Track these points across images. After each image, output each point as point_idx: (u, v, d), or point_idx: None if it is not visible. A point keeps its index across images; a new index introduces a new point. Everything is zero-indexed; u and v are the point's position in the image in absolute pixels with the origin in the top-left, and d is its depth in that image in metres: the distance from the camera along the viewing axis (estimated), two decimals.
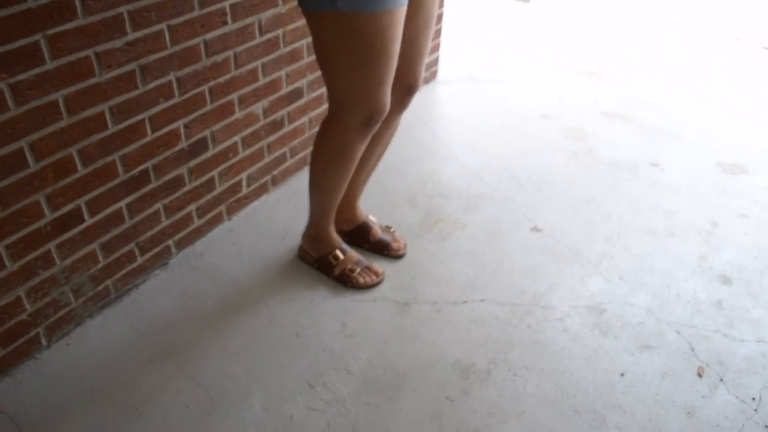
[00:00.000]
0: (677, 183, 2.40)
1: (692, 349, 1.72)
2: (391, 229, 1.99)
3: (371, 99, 1.45)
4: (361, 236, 1.93)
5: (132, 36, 1.54)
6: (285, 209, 2.15)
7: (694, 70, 3.33)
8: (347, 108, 1.49)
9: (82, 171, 1.55)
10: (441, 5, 2.77)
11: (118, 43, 1.51)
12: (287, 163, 2.22)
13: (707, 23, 3.99)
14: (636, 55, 3.45)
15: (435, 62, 2.94)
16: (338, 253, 1.84)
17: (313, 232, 1.83)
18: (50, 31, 1.37)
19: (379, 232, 1.94)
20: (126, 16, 1.51)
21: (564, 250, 2.03)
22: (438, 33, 2.86)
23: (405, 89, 1.63)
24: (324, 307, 1.80)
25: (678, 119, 2.84)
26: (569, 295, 1.87)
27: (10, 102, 1.35)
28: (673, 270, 1.98)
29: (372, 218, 1.98)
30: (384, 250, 1.94)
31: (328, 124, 1.56)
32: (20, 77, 1.35)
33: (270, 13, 1.88)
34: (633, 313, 1.82)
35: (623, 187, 2.36)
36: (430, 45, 1.63)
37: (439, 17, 2.81)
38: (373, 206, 2.12)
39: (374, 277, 1.85)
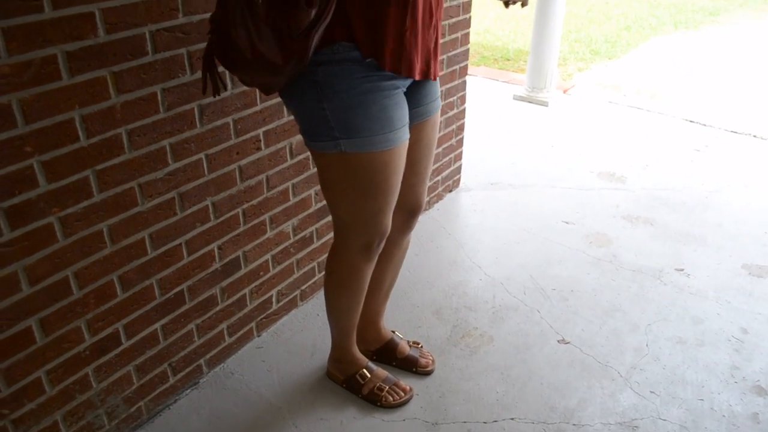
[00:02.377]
0: (703, 288, 2.40)
1: None
2: (419, 345, 2.01)
3: (372, 225, 1.51)
4: (388, 354, 1.95)
5: (173, 166, 1.64)
6: (314, 324, 2.18)
7: (713, 169, 3.39)
8: (350, 234, 1.55)
9: (121, 296, 1.62)
10: (462, 116, 2.89)
11: (160, 174, 1.61)
12: (316, 278, 2.27)
13: (723, 120, 4.08)
14: (654, 155, 3.52)
15: (458, 170, 3.03)
16: (365, 371, 1.85)
17: (337, 355, 1.86)
18: (99, 167, 1.47)
19: (406, 349, 1.96)
20: (168, 149, 1.61)
21: (593, 363, 2.03)
22: (460, 142, 2.96)
23: (408, 212, 1.70)
24: (353, 428, 1.79)
25: (700, 221, 2.87)
26: (600, 412, 1.85)
27: (58, 234, 1.44)
28: (705, 381, 1.96)
29: (398, 335, 2.00)
30: (412, 366, 1.95)
31: (334, 250, 1.62)
32: (69, 210, 1.44)
33: (299, 136, 1.99)
34: (666, 429, 1.79)
35: (649, 294, 2.36)
36: (431, 169, 1.70)
37: (461, 127, 2.92)
38: (400, 321, 2.15)
39: (403, 395, 1.85)
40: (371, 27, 1.30)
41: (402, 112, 1.40)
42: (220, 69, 1.40)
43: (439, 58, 1.51)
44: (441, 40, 1.50)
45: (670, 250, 2.64)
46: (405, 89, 1.43)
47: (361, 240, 1.54)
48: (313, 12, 1.20)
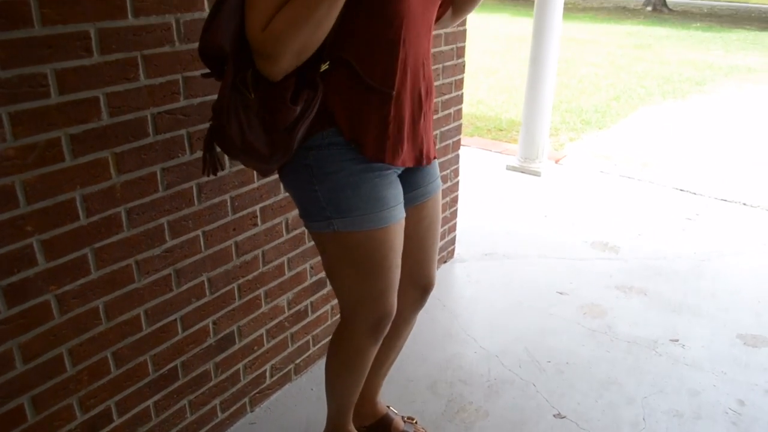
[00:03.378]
0: (699, 359, 2.39)
1: None
2: (414, 421, 1.99)
3: (377, 306, 1.51)
4: (383, 430, 1.92)
5: (170, 243, 1.66)
6: (308, 398, 2.16)
7: (704, 237, 3.43)
8: (357, 315, 1.55)
9: (114, 372, 1.61)
10: (456, 188, 2.95)
11: (157, 251, 1.64)
12: (310, 351, 2.26)
13: (712, 188, 4.16)
14: (646, 224, 3.57)
15: (452, 241, 3.07)
16: None
17: (332, 431, 1.84)
18: (97, 245, 1.50)
19: (401, 425, 1.94)
20: (166, 226, 1.64)
21: None
22: (454, 214, 3.01)
23: (420, 291, 1.71)
24: None
25: (694, 290, 2.89)
26: None
27: (55, 311, 1.45)
28: None
29: (393, 410, 1.98)
30: None
31: (340, 332, 1.62)
32: (66, 288, 1.46)
33: (296, 212, 2.03)
34: None
35: (645, 366, 2.36)
36: (438, 245, 1.72)
37: (454, 199, 2.97)
38: (394, 395, 2.13)
39: None
40: (356, 122, 1.35)
41: (395, 191, 1.43)
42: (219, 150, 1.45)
43: (432, 141, 1.55)
44: (432, 123, 1.54)
45: (665, 320, 2.65)
46: (399, 172, 1.47)
47: (368, 321, 1.54)
48: (298, 109, 1.27)
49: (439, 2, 1.46)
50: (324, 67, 1.31)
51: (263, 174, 1.47)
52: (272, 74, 1.23)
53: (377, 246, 1.43)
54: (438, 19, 1.57)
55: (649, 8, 20.19)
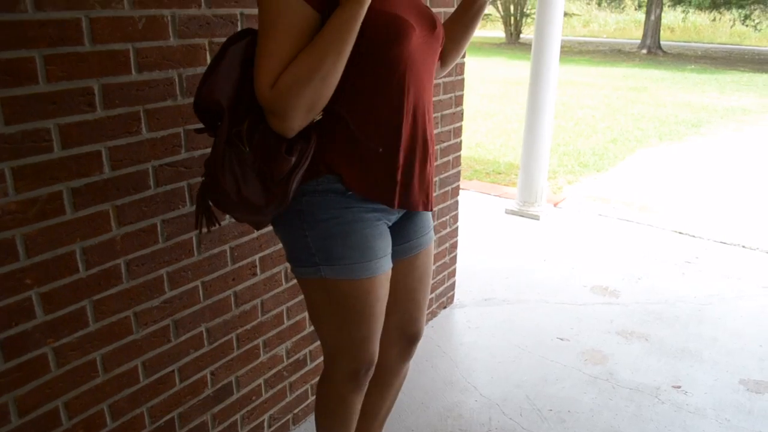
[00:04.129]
0: (702, 406, 2.37)
1: None
2: None
3: (358, 354, 1.51)
4: None
5: (169, 294, 1.66)
6: None
7: (705, 281, 3.43)
8: (336, 362, 1.55)
9: (110, 425, 1.60)
10: (455, 234, 2.95)
11: (156, 302, 1.64)
12: (309, 401, 2.24)
13: (711, 231, 4.17)
14: (646, 268, 3.57)
15: (452, 287, 3.06)
16: None
17: None
18: (96, 297, 1.50)
19: None
20: (165, 277, 1.65)
21: None
22: (453, 259, 3.01)
23: (407, 340, 1.70)
24: None
25: (695, 335, 2.87)
26: None
27: (52, 364, 1.44)
28: None
29: None
30: None
31: (322, 378, 1.61)
32: (64, 340, 1.46)
33: None
34: None
35: (647, 414, 2.33)
36: (428, 298, 1.72)
37: (454, 245, 2.98)
38: None
39: None
40: (358, 169, 1.36)
41: (384, 242, 1.43)
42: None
43: (433, 188, 1.56)
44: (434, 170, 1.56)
45: (667, 366, 2.63)
46: (391, 223, 1.48)
47: (347, 368, 1.54)
48: (293, 159, 1.29)
49: (439, 51, 1.49)
50: (316, 118, 1.32)
51: (256, 227, 1.48)
52: (285, 131, 1.25)
53: (363, 295, 1.43)
54: None
55: (644, 51, 20.53)
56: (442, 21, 1.63)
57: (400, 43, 1.30)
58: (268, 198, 1.31)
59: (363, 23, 1.23)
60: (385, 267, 1.45)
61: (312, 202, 1.37)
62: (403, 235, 1.55)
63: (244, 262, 1.85)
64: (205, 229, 1.44)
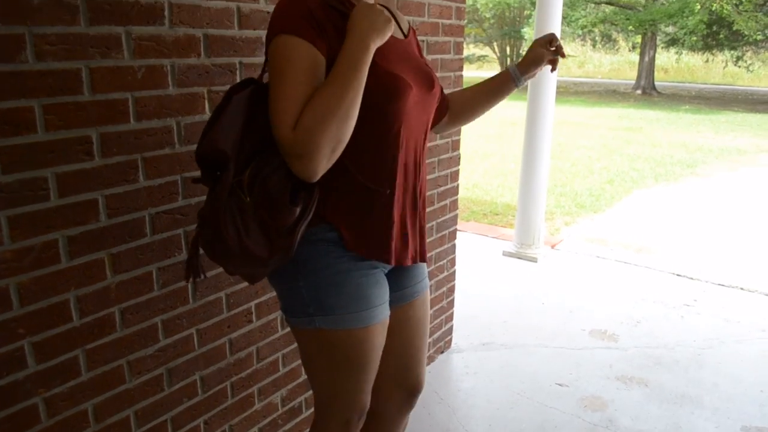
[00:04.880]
0: None
1: None
2: None
3: (351, 402, 1.49)
4: None
5: (163, 343, 1.65)
6: None
7: (704, 324, 3.40)
8: (329, 411, 1.52)
9: None
10: (452, 278, 2.94)
11: (149, 351, 1.62)
12: None
13: (709, 273, 4.16)
14: (644, 311, 3.54)
15: (449, 331, 3.04)
16: None
17: None
18: (89, 346, 1.49)
19: None
20: (160, 325, 1.63)
21: None
22: (451, 303, 2.99)
23: (407, 392, 1.66)
24: None
25: (695, 380, 2.84)
26: None
27: (42, 415, 1.42)
28: None
29: None
30: None
31: (314, 427, 1.58)
32: (56, 390, 1.44)
33: None
34: None
35: None
36: (426, 348, 1.69)
37: (451, 289, 2.96)
38: None
39: None
40: (353, 221, 1.36)
41: (380, 290, 1.42)
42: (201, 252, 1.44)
43: (426, 239, 1.56)
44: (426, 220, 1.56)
45: (667, 413, 2.59)
46: (387, 270, 1.47)
47: (340, 417, 1.51)
48: (298, 210, 1.28)
49: (436, 106, 1.51)
50: None
51: (251, 281, 1.41)
52: (310, 174, 1.21)
53: (358, 345, 1.41)
54: (435, 124, 1.62)
55: (639, 91, 20.81)
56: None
57: (396, 100, 1.32)
58: (271, 250, 1.29)
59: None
60: (381, 315, 1.43)
61: (306, 252, 1.36)
62: (398, 282, 1.54)
63: (240, 309, 1.84)
64: (198, 279, 1.42)
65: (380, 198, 1.37)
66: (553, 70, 1.67)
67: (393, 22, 1.29)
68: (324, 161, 1.21)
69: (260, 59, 1.73)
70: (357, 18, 1.26)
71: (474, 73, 26.27)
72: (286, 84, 1.21)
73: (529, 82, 4.15)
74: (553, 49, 1.61)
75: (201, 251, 1.36)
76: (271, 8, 1.74)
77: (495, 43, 25.25)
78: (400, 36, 1.45)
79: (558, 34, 4.05)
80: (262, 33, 1.73)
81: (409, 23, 1.56)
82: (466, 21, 2.65)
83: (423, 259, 1.52)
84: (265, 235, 1.28)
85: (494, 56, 25.72)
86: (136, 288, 1.55)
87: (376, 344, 1.45)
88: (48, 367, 1.41)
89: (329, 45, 1.25)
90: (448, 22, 2.51)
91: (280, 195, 1.27)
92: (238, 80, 1.69)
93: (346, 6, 1.31)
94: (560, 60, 1.65)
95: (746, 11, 17.81)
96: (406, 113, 1.35)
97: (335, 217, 1.36)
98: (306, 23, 1.24)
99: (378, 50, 1.29)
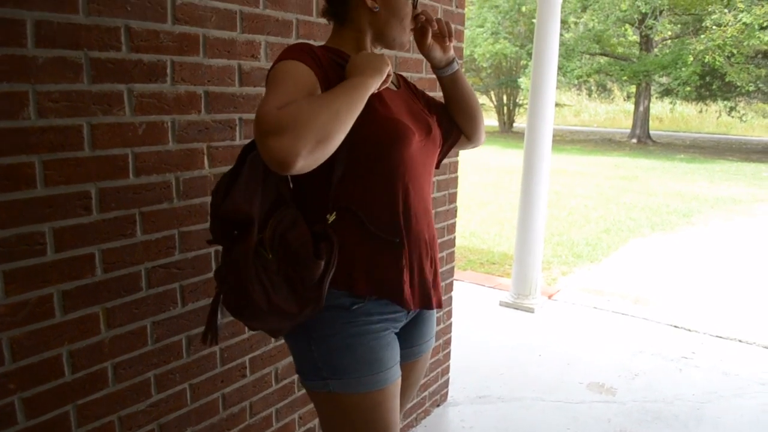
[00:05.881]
0: None
1: None
2: None
3: None
4: None
5: (156, 398, 1.63)
6: None
7: (703, 377, 3.36)
8: None
9: None
10: (449, 330, 2.92)
11: (142, 406, 1.60)
12: None
13: (707, 324, 4.13)
14: (642, 364, 3.51)
15: (445, 384, 3.00)
16: None
17: None
18: (80, 401, 1.47)
19: None
20: (152, 380, 1.61)
21: None
22: (447, 356, 2.97)
23: None
24: None
25: None
26: None
27: None
28: None
29: None
30: None
31: None
32: None
33: (286, 361, 2.00)
34: None
35: None
36: (408, 404, 1.66)
37: (447, 341, 2.94)
38: None
39: None
40: (369, 273, 1.36)
41: (392, 352, 1.42)
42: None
43: (440, 285, 1.54)
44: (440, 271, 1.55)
45: None
46: (397, 330, 1.47)
47: None
48: (323, 263, 1.28)
49: (438, 150, 1.53)
50: (331, 218, 1.34)
51: (276, 334, 1.43)
52: (287, 155, 1.07)
53: (374, 407, 1.40)
54: (462, 146, 1.68)
55: (634, 140, 21.05)
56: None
57: (400, 144, 1.34)
58: (300, 303, 1.29)
59: (368, 126, 1.27)
60: (394, 377, 1.42)
61: (317, 318, 1.35)
62: (407, 339, 1.54)
63: (234, 363, 1.82)
64: (212, 345, 1.40)
65: (392, 246, 1.37)
66: (442, 45, 1.52)
67: (390, 66, 1.32)
68: (307, 146, 1.08)
69: None
70: (356, 59, 1.30)
71: None
72: (280, 87, 1.19)
73: (526, 132, 4.24)
74: (416, 18, 1.48)
75: (220, 314, 1.35)
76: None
77: (492, 92, 25.63)
78: (393, 88, 1.48)
79: (553, 84, 4.12)
80: (262, 89, 1.76)
81: (401, 76, 1.59)
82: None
83: (439, 305, 1.50)
84: (292, 290, 1.28)
85: (491, 104, 26.12)
86: (129, 342, 1.54)
87: (393, 405, 1.44)
88: (37, 423, 1.39)
89: (328, 82, 1.27)
90: None
91: (304, 248, 1.27)
92: (237, 136, 1.72)
93: (347, 61, 1.34)
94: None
95: (738, 63, 18.16)
96: (411, 158, 1.37)
97: (347, 272, 1.35)
98: (310, 59, 1.27)
99: (378, 98, 1.33)
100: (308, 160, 1.10)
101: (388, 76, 1.31)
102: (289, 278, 1.27)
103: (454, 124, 1.65)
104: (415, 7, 1.46)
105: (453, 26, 1.52)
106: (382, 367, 1.39)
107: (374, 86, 1.26)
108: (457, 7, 2.57)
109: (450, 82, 1.59)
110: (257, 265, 1.25)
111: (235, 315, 1.33)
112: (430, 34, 1.48)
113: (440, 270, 2.68)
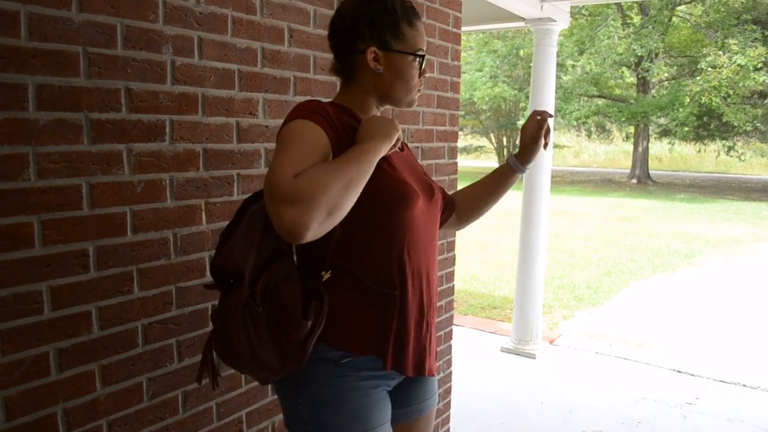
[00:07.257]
0: None
1: None
2: None
3: None
4: None
5: None
6: None
7: (707, 424, 3.31)
8: None
9: None
10: (449, 379, 2.90)
11: None
12: None
13: (710, 369, 4.10)
14: (646, 411, 3.46)
15: (447, 419, 2.96)
16: None
17: None
18: None
19: None
20: None
21: None
22: (447, 405, 2.93)
23: None
24: None
25: None
26: None
27: None
28: None
29: None
30: None
31: None
32: None
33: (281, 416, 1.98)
34: None
35: None
36: None
37: (447, 390, 2.91)
38: None
39: None
40: (360, 327, 1.36)
41: (381, 411, 1.40)
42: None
43: (435, 354, 1.52)
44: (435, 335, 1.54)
45: None
46: (390, 388, 1.45)
47: None
48: (309, 324, 1.29)
49: (440, 214, 1.54)
50: (326, 276, 1.34)
51: (263, 382, 1.44)
52: (300, 227, 1.08)
53: None
54: (442, 224, 1.64)
55: (634, 180, 21.16)
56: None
57: (406, 206, 1.36)
58: (283, 361, 1.30)
59: (375, 187, 1.27)
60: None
61: (306, 371, 1.35)
62: (404, 398, 1.51)
63: (231, 418, 1.81)
64: (205, 381, 1.41)
65: (386, 307, 1.37)
66: (545, 146, 1.68)
67: (400, 131, 1.34)
68: (318, 218, 1.10)
69: (257, 171, 1.79)
70: (367, 123, 1.32)
71: (472, 163, 26.78)
72: (293, 149, 1.19)
73: (524, 176, 4.24)
74: (539, 118, 1.64)
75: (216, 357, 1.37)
76: (269, 122, 1.82)
77: (492, 134, 25.97)
78: (397, 150, 1.50)
79: (551, 126, 4.16)
80: (260, 145, 1.79)
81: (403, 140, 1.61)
82: (458, 127, 2.74)
83: (431, 373, 1.48)
84: (276, 345, 1.29)
85: (491, 147, 26.36)
86: (125, 399, 1.54)
87: None
88: None
89: (340, 144, 1.28)
90: (442, 128, 2.60)
91: (292, 306, 1.28)
92: (235, 191, 1.74)
93: (359, 123, 1.36)
94: (552, 142, 1.69)
95: (734, 103, 18.38)
96: (413, 220, 1.38)
97: (339, 328, 1.35)
98: (322, 118, 1.28)
99: (387, 160, 1.35)
100: (317, 231, 1.12)
101: (398, 140, 1.34)
102: (276, 334, 1.29)
103: (450, 203, 1.68)
104: (421, 70, 1.47)
105: (450, 78, 1.56)
106: (369, 426, 1.36)
107: (384, 152, 1.28)
108: (452, 59, 2.62)
109: (509, 180, 1.70)
110: (246, 317, 1.28)
111: (221, 358, 1.35)
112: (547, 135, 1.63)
113: (436, 320, 2.70)
